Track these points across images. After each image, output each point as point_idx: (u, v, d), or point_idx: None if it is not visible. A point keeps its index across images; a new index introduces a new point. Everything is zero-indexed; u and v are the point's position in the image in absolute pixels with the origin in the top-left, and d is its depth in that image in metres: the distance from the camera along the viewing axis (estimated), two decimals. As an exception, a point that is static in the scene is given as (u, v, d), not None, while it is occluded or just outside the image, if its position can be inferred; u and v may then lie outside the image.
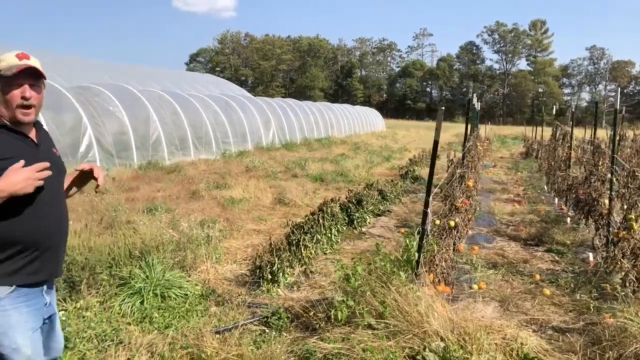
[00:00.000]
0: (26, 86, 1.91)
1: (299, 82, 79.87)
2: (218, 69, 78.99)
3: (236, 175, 10.97)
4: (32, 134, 2.02)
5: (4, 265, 1.88)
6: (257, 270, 4.48)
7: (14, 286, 1.91)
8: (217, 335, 3.34)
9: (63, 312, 3.57)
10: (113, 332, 3.40)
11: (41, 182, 1.85)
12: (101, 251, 4.15)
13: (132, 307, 3.73)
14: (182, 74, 35.62)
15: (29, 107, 1.92)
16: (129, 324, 3.53)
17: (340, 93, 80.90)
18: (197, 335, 3.30)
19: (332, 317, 3.49)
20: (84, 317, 3.61)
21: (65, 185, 2.18)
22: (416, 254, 3.83)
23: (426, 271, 3.89)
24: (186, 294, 4.01)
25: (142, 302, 3.79)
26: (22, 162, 1.82)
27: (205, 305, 3.91)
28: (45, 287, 2.05)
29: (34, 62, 1.94)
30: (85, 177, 2.22)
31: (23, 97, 1.89)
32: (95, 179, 2.18)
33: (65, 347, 3.18)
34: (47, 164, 1.88)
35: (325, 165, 13.10)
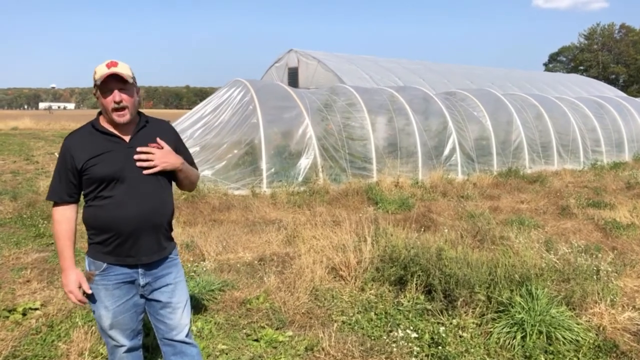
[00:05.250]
0: (116, 91, 2.07)
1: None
2: (581, 67, 70.88)
3: (614, 192, 9.23)
4: (129, 132, 2.17)
5: (96, 246, 2.18)
6: (678, 332, 3.34)
7: (105, 264, 2.17)
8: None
9: (443, 327, 3.46)
10: (493, 364, 3.06)
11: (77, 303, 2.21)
12: (478, 268, 3.88)
13: (512, 340, 3.30)
14: (541, 74, 33.32)
15: (122, 109, 2.09)
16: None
17: None
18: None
19: None
20: (461, 337, 3.40)
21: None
22: None
23: None
24: (577, 340, 3.31)
25: (523, 337, 3.31)
26: (83, 284, 2.17)
27: (604, 362, 3.13)
28: (140, 269, 2.22)
29: (120, 68, 2.08)
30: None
31: (114, 102, 2.07)
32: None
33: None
34: (83, 302, 2.20)
35: None
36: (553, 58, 79.61)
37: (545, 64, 79.90)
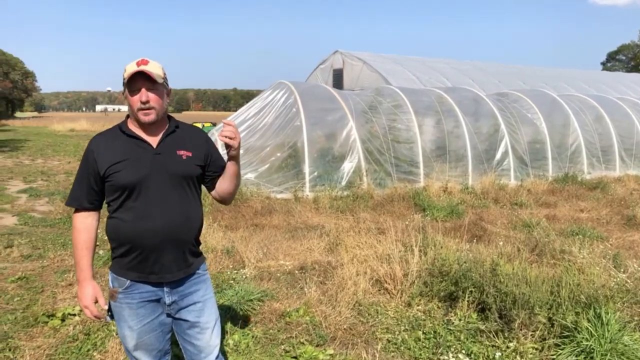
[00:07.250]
0: (143, 90, 1.94)
1: None
2: (643, 66, 67.04)
3: (686, 201, 8.46)
4: (157, 137, 2.03)
5: (119, 260, 2.02)
6: None
7: (128, 281, 2.01)
8: None
9: (499, 353, 3.14)
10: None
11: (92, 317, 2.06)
12: (538, 287, 3.53)
13: (579, 371, 2.95)
14: (600, 74, 31.57)
15: (148, 109, 1.95)
16: (578, 394, 2.76)
17: None
18: None
19: None
20: (518, 364, 3.08)
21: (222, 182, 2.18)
22: None
23: None
24: (656, 374, 2.92)
25: (592, 368, 2.95)
26: (100, 299, 2.03)
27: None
28: (165, 287, 2.05)
29: (150, 67, 1.94)
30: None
31: (141, 101, 1.94)
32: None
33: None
34: (100, 317, 2.06)
35: None
36: (612, 57, 75.69)
37: (602, 63, 76.08)
